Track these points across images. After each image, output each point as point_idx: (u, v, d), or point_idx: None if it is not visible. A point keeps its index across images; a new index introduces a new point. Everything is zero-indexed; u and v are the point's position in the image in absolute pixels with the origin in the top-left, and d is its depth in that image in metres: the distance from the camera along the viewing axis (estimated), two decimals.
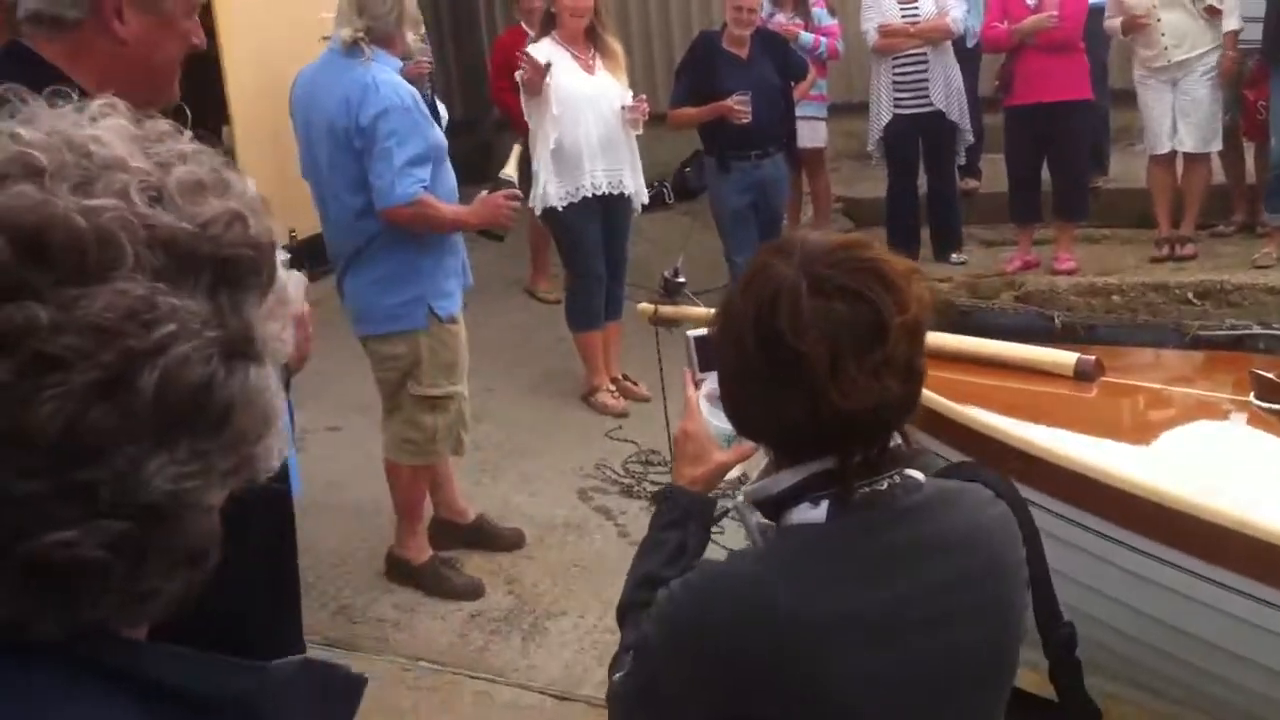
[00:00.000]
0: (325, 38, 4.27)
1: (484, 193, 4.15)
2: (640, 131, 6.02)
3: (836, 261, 1.51)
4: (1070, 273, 7.19)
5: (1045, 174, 7.29)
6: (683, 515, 1.90)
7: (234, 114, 7.05)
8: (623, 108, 5.89)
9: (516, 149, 4.27)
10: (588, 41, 5.91)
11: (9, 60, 1.87)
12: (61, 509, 0.67)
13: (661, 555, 1.84)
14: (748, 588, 1.51)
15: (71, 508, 0.68)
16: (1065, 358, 3.63)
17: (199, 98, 7.62)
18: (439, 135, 4.17)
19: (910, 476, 1.58)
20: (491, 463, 5.50)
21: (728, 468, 1.97)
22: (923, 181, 7.65)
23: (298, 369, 2.02)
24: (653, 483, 5.21)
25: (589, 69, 5.88)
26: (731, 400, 1.62)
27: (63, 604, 0.70)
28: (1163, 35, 7.05)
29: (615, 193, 5.93)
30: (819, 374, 1.45)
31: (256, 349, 0.77)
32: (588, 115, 5.82)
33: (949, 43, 7.40)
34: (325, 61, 4.17)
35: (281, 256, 0.84)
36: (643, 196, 6.14)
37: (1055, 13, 6.92)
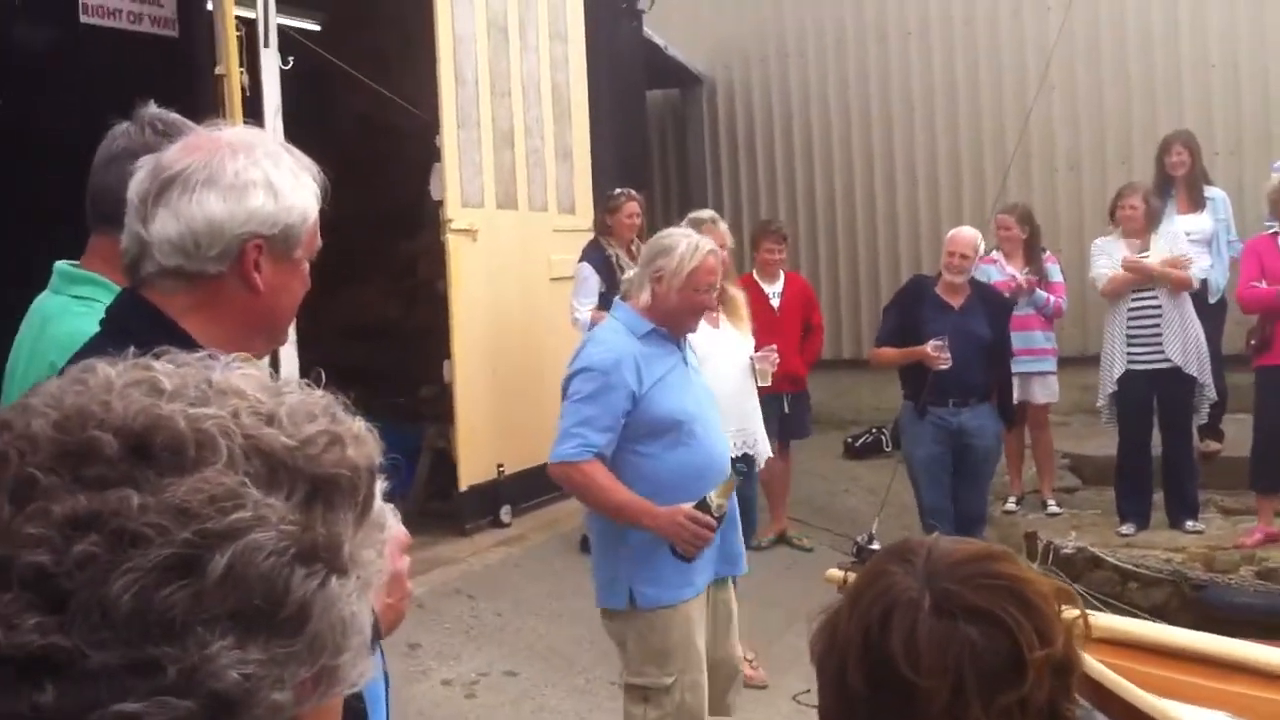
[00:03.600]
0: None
1: (687, 506, 3.69)
2: (768, 383, 5.70)
3: (967, 576, 1.30)
4: None
5: None
6: None
7: (455, 349, 7.27)
8: (750, 358, 5.56)
9: (732, 479, 3.88)
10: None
11: (135, 315, 1.85)
12: (130, 682, 0.71)
13: None
14: None
15: (140, 682, 0.71)
16: None
17: (423, 330, 7.97)
18: (667, 407, 3.80)
19: None
20: None
21: None
22: (1158, 441, 7.22)
23: (388, 632, 1.90)
24: None
25: (713, 322, 5.31)
26: None
27: None
28: None
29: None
30: (934, 715, 1.23)
31: (342, 561, 0.79)
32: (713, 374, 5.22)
33: (1186, 295, 7.07)
34: None
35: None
36: (764, 453, 5.65)
37: None
